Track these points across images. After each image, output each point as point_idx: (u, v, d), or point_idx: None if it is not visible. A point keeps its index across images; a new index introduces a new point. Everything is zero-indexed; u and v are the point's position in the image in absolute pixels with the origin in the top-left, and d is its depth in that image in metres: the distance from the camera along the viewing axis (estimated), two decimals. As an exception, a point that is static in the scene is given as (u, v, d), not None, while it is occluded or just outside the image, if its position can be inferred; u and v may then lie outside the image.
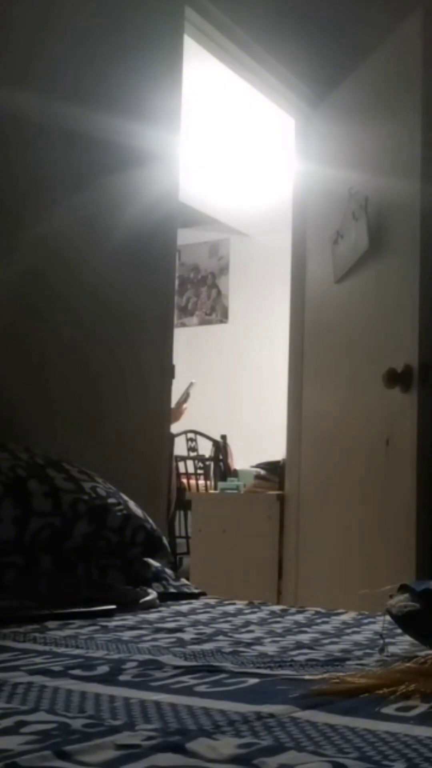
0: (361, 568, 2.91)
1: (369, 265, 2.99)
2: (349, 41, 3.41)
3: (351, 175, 3.10)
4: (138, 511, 1.87)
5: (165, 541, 1.97)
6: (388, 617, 1.30)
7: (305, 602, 2.66)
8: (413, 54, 2.81)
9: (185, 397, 3.08)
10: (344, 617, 1.59)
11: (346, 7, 3.50)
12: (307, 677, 0.99)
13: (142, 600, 1.63)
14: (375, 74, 3.07)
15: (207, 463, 5.14)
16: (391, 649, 1.22)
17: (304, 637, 1.31)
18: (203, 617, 1.52)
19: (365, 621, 1.52)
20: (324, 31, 3.46)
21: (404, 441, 2.73)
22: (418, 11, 2.81)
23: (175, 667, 1.03)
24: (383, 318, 2.91)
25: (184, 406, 3.08)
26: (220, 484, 4.15)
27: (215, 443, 5.04)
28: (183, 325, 6.42)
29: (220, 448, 5.00)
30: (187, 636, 1.29)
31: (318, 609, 1.70)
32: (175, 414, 2.97)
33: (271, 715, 0.80)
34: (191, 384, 3.15)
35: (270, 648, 1.21)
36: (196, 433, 5.15)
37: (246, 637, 1.30)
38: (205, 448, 5.18)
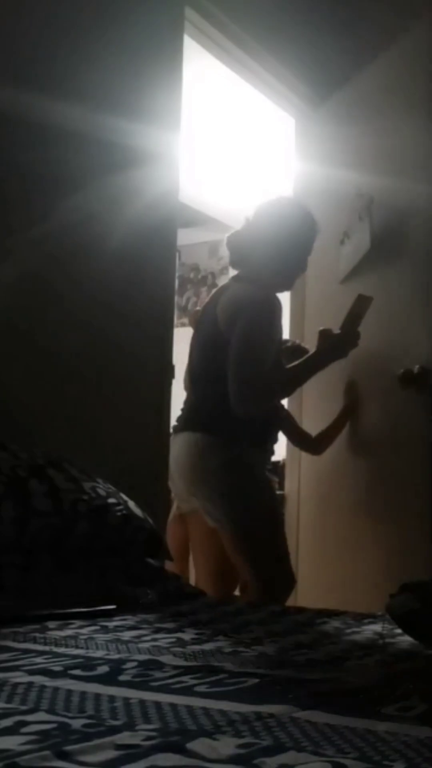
0: (363, 568, 2.91)
1: (378, 267, 2.98)
2: (351, 43, 3.41)
3: (357, 175, 3.09)
4: (138, 511, 1.87)
5: (165, 541, 1.97)
6: (388, 617, 1.30)
7: (305, 602, 2.66)
8: (423, 56, 2.81)
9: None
10: (344, 617, 1.59)
11: (347, 9, 3.50)
12: (307, 677, 0.99)
13: (142, 600, 1.63)
14: (383, 75, 3.06)
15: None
16: (391, 649, 1.22)
17: (304, 637, 1.31)
18: (203, 617, 1.51)
19: (365, 621, 1.52)
20: (325, 32, 3.46)
21: (417, 443, 2.74)
22: (427, 13, 2.82)
23: (175, 667, 1.03)
24: (393, 319, 2.90)
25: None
26: (220, 484, 4.13)
27: (215, 443, 5.03)
28: (183, 325, 6.41)
29: (220, 448, 4.99)
30: (187, 636, 1.29)
31: (318, 609, 1.70)
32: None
33: (271, 715, 0.80)
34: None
35: (270, 648, 1.21)
36: (196, 433, 5.14)
37: (246, 637, 1.30)
38: (205, 448, 5.17)
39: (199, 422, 2.49)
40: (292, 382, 2.59)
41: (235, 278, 2.59)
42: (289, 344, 2.99)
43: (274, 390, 2.50)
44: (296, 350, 2.92)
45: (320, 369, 2.57)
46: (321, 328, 2.61)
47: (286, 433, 3.07)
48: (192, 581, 2.56)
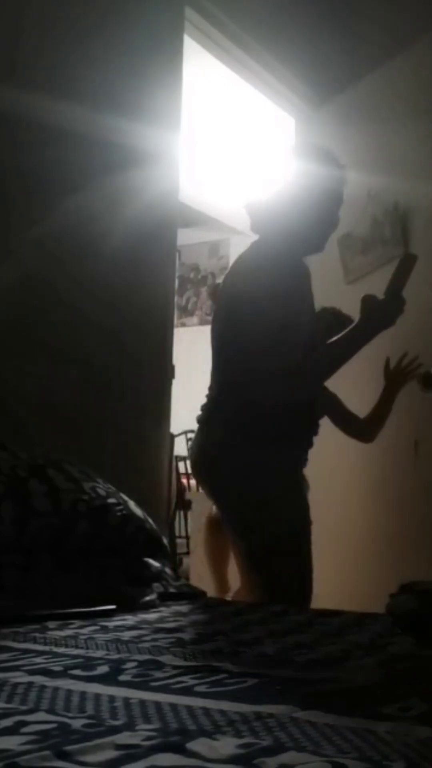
0: (365, 567, 2.91)
1: (387, 267, 2.98)
2: (353, 45, 3.41)
3: (368, 177, 3.08)
4: (138, 511, 1.87)
5: (165, 541, 1.96)
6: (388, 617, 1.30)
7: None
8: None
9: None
10: (344, 617, 1.58)
11: (349, 11, 3.50)
12: (307, 677, 0.99)
13: (142, 600, 1.63)
14: (389, 81, 3.06)
15: (207, 463, 5.13)
16: (391, 649, 1.22)
17: (304, 637, 1.31)
18: (203, 617, 1.51)
19: (365, 621, 1.52)
20: (326, 33, 3.46)
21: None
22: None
23: (175, 667, 1.03)
24: (411, 320, 2.88)
25: None
26: (220, 484, 4.13)
27: (215, 443, 5.04)
28: (183, 325, 6.42)
29: (220, 448, 4.99)
30: (187, 636, 1.29)
31: (318, 609, 1.70)
32: None
33: (271, 715, 0.80)
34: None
35: (270, 648, 1.21)
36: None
37: (246, 637, 1.30)
38: (205, 448, 5.18)
39: (208, 418, 2.16)
40: (336, 360, 2.14)
41: (254, 243, 2.20)
42: (328, 311, 2.60)
43: (315, 373, 2.12)
44: (337, 316, 2.55)
45: (368, 341, 2.17)
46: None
47: (329, 416, 2.63)
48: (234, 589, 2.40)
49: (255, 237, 2.19)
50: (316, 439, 2.25)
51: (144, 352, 2.52)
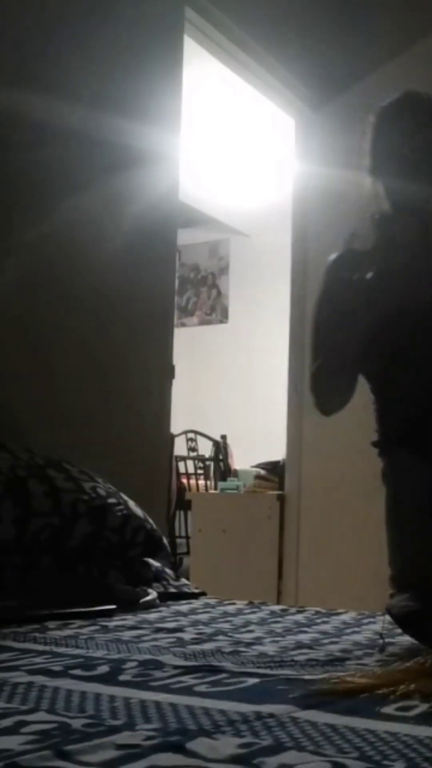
0: (367, 566, 2.91)
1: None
2: (354, 46, 3.41)
3: (367, 177, 3.08)
4: (138, 511, 1.88)
5: (165, 541, 1.97)
6: (388, 617, 1.30)
7: (305, 602, 2.66)
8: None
9: None
10: (344, 617, 1.59)
11: (349, 12, 3.50)
12: (307, 677, 0.99)
13: (142, 600, 1.63)
14: (390, 82, 3.05)
15: (207, 463, 5.14)
16: (391, 649, 1.22)
17: (304, 637, 1.31)
18: (203, 617, 1.52)
19: (365, 621, 1.52)
20: (326, 34, 3.46)
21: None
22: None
23: (175, 667, 1.03)
24: None
25: None
26: (220, 484, 4.15)
27: (215, 443, 5.05)
28: (183, 325, 6.41)
29: (220, 448, 5.01)
30: (187, 636, 1.29)
31: (318, 609, 1.70)
32: None
33: (271, 715, 0.80)
34: None
35: (270, 648, 1.21)
36: (196, 433, 5.16)
37: (246, 637, 1.30)
38: (205, 448, 5.19)
39: None
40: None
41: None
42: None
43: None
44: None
45: None
46: None
47: None
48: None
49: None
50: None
51: (144, 352, 2.52)
